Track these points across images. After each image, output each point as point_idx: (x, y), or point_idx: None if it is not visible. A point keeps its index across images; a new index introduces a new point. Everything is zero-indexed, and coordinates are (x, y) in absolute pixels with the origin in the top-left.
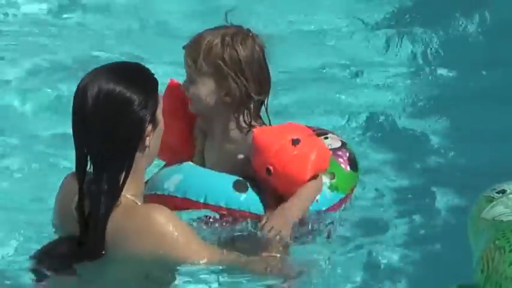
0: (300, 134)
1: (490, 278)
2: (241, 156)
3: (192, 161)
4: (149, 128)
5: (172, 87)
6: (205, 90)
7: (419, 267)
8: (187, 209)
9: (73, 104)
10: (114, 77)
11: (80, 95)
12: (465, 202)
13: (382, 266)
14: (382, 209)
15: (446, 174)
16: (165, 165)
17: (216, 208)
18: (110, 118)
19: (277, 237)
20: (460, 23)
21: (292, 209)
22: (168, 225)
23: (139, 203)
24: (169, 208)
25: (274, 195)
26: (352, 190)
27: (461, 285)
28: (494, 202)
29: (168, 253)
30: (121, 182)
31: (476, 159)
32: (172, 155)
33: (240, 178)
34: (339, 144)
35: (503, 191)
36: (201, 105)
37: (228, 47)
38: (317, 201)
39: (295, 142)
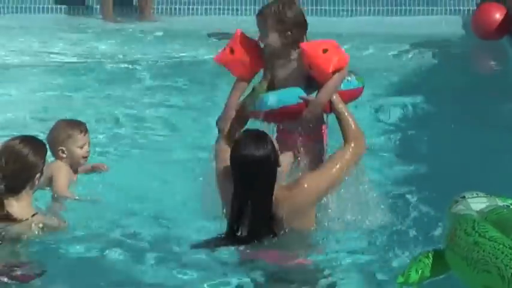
0: (329, 46)
1: (448, 246)
2: (296, 67)
3: (263, 77)
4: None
5: (243, 34)
6: (273, 38)
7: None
8: (287, 111)
9: (241, 164)
10: (257, 144)
11: (249, 161)
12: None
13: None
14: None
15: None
16: (237, 79)
17: (300, 104)
18: (265, 166)
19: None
20: None
21: (321, 98)
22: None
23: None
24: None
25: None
26: (363, 86)
27: (435, 249)
28: (458, 202)
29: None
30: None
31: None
32: (246, 71)
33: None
34: None
35: (463, 197)
36: (271, 47)
37: (285, 11)
38: (348, 80)
39: (324, 51)
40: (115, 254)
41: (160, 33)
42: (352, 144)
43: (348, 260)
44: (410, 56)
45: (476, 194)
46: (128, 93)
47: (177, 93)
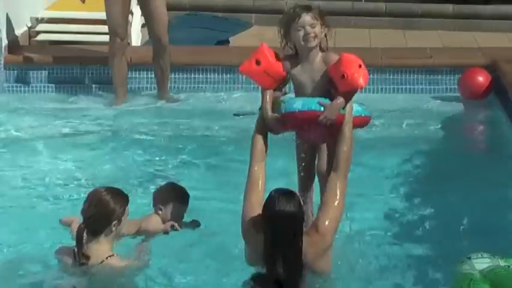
0: (361, 63)
1: None
2: (322, 71)
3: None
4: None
5: (267, 47)
6: (319, 29)
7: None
8: (308, 116)
9: (274, 220)
10: (294, 205)
11: (281, 216)
12: None
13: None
14: None
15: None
16: (262, 88)
17: (320, 112)
18: (296, 221)
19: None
20: None
21: (338, 103)
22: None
23: None
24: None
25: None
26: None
27: None
28: (464, 263)
29: None
30: None
31: None
32: (271, 82)
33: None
34: None
35: (469, 257)
36: (318, 39)
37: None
38: (363, 105)
39: (360, 66)
40: None
41: (178, 112)
42: (341, 168)
43: None
44: (415, 129)
45: (481, 255)
46: (150, 171)
47: (200, 171)
